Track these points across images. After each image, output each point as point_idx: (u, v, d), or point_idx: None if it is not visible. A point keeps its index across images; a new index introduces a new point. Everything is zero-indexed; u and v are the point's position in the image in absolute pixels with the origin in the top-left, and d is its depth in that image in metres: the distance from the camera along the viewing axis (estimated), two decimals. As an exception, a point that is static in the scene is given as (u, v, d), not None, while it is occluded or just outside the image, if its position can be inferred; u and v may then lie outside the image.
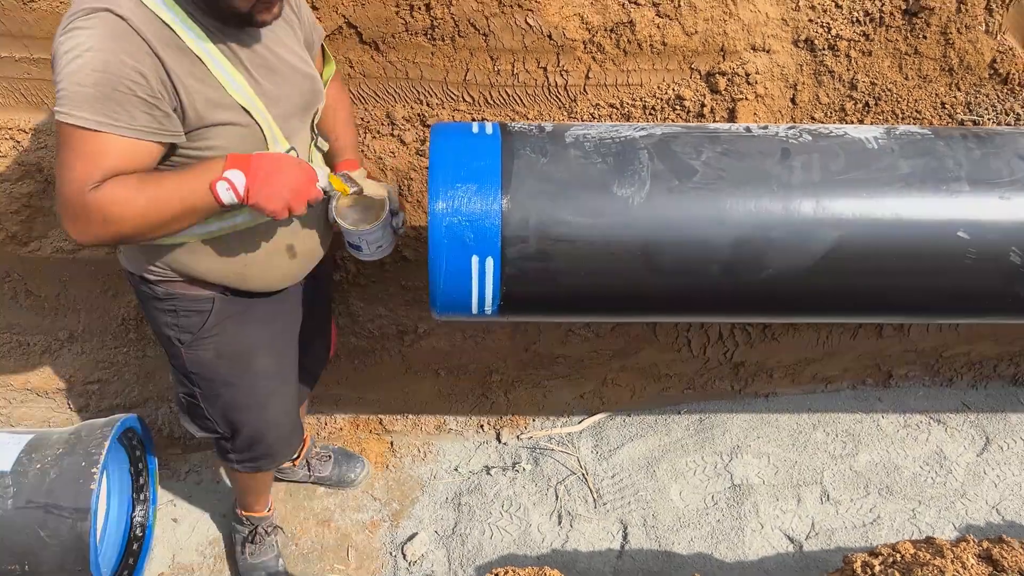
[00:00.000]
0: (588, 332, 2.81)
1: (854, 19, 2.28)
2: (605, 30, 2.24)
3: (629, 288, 1.64)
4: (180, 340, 1.90)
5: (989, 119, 2.46)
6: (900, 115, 2.44)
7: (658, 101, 2.39)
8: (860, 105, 2.42)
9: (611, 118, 2.41)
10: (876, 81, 2.39)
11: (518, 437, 3.03)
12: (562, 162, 1.60)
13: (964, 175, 1.64)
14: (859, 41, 2.32)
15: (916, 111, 2.44)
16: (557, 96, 2.37)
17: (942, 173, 1.64)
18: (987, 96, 2.43)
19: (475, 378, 2.95)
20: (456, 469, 2.94)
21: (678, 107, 2.40)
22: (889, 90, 2.40)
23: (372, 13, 2.18)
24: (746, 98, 2.39)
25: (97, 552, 2.17)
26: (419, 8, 2.17)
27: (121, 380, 2.89)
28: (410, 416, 3.05)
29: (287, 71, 1.68)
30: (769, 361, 2.96)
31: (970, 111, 2.46)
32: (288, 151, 1.69)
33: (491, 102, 2.38)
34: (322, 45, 1.93)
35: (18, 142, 2.35)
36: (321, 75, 1.89)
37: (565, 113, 2.41)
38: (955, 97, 2.43)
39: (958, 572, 1.55)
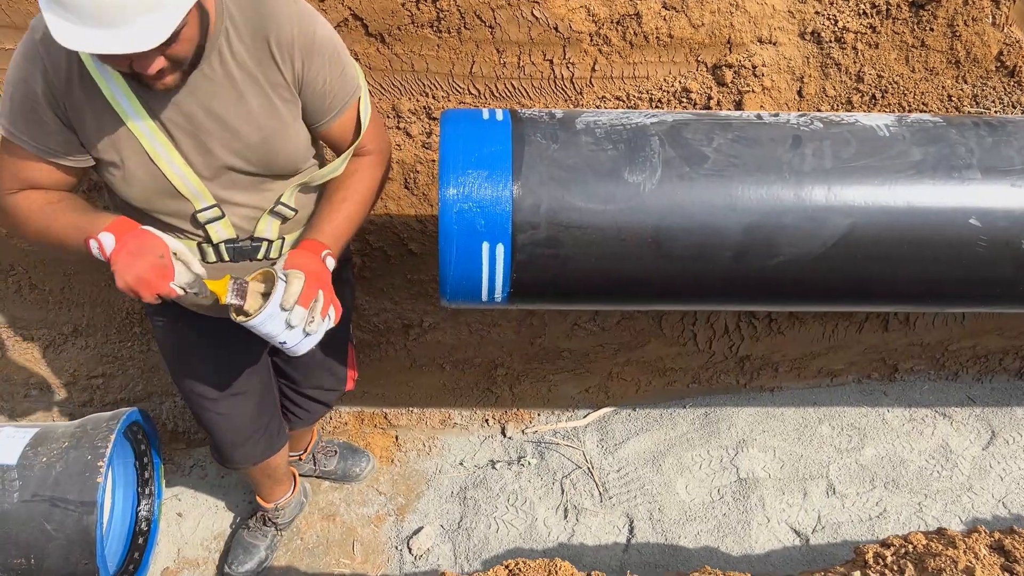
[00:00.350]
0: (594, 326, 2.81)
1: (861, 11, 2.28)
2: (611, 22, 2.24)
3: (639, 274, 1.64)
4: (146, 312, 1.95)
5: (996, 112, 2.46)
6: (907, 108, 2.44)
7: (664, 94, 2.38)
8: (867, 98, 2.42)
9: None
10: (883, 74, 2.39)
11: (523, 431, 3.02)
12: (573, 148, 1.59)
13: (976, 162, 1.64)
14: (866, 33, 2.32)
15: (923, 104, 2.44)
16: (563, 89, 2.36)
17: (954, 160, 1.64)
18: (994, 88, 2.43)
19: (480, 372, 2.94)
20: (461, 463, 2.93)
21: (684, 100, 2.40)
22: (896, 83, 2.40)
23: (378, 5, 2.17)
24: (752, 90, 2.38)
25: (104, 546, 2.16)
26: (425, 0, 2.16)
27: (125, 375, 2.88)
28: (415, 410, 3.04)
29: (216, 128, 1.56)
30: (774, 355, 2.96)
31: (977, 104, 2.45)
32: (210, 207, 1.64)
33: (497, 95, 2.37)
34: (358, 115, 1.72)
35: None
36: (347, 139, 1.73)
37: (571, 106, 2.40)
38: (962, 90, 2.43)
39: (971, 562, 1.54)
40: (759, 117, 1.72)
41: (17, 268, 2.64)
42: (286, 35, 1.54)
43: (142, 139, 1.54)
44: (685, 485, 2.79)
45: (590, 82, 2.35)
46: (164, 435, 2.93)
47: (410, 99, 2.37)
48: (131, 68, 1.39)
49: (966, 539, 1.63)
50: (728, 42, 2.30)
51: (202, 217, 1.66)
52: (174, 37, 1.35)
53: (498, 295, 1.66)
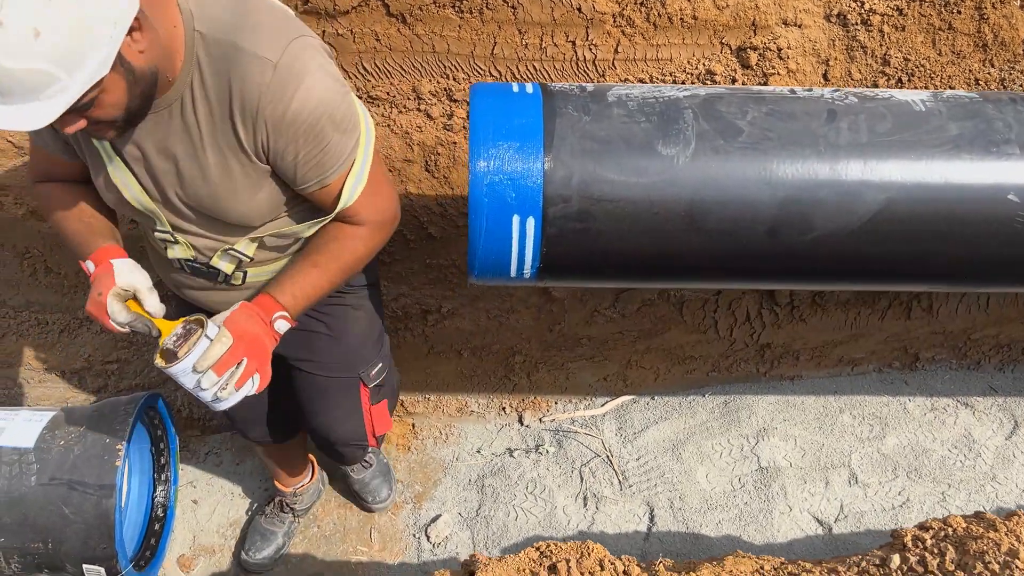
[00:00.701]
0: (613, 312, 2.78)
1: (887, -7, 2.26)
2: (635, 3, 2.21)
3: (671, 249, 1.61)
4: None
5: (1023, 95, 2.43)
6: (932, 91, 2.41)
7: (688, 76, 2.36)
8: (893, 81, 2.39)
9: (641, 92, 2.38)
10: (909, 57, 2.36)
11: (540, 419, 3.00)
12: (605, 121, 1.57)
13: (1014, 137, 1.61)
14: (892, 16, 2.29)
15: (949, 88, 2.41)
16: (586, 71, 2.34)
17: (992, 135, 1.61)
18: (1022, 72, 2.40)
19: (498, 359, 2.92)
20: (479, 451, 2.91)
21: (708, 82, 2.37)
22: (922, 66, 2.37)
23: (400, -16, 2.15)
24: (777, 73, 2.36)
25: (122, 529, 2.14)
26: (447, -21, 2.14)
27: (141, 360, 2.86)
28: (431, 398, 3.02)
29: (168, 168, 1.53)
30: (795, 343, 2.93)
31: (1004, 88, 2.42)
32: (165, 232, 1.64)
33: (518, 76, 2.35)
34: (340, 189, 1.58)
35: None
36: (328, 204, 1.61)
37: (593, 89, 2.38)
38: (989, 73, 2.40)
39: (1014, 544, 1.51)
40: (792, 91, 1.69)
41: (33, 251, 2.62)
42: (251, 105, 1.41)
43: (105, 161, 1.55)
44: (706, 474, 2.76)
45: (612, 64, 2.32)
46: (178, 422, 2.91)
47: (431, 80, 2.34)
48: None
49: (1007, 522, 1.60)
50: (753, 24, 2.28)
51: (159, 236, 1.67)
52: (89, 104, 1.28)
53: (527, 270, 1.64)
